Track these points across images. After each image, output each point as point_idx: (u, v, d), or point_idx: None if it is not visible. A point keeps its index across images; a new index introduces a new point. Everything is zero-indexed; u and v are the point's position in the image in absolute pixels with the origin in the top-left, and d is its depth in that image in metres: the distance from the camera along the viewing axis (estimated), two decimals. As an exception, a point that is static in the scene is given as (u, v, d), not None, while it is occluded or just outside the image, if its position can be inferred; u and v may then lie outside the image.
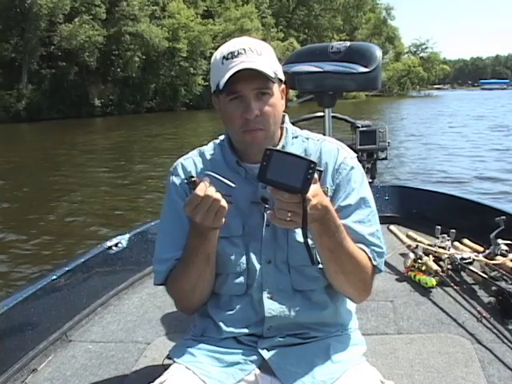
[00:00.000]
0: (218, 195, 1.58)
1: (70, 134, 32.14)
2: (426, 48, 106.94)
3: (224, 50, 1.76)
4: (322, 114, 4.19)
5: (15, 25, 48.05)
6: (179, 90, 56.33)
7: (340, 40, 79.49)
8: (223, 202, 1.58)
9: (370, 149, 4.32)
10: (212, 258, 1.76)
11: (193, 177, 1.61)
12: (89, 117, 47.14)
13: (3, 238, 9.83)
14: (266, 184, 1.48)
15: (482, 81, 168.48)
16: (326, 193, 1.71)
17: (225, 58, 1.72)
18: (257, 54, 1.72)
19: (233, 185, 1.62)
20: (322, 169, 1.63)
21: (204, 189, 1.56)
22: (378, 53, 3.89)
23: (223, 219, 1.63)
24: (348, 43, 4.06)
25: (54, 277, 3.02)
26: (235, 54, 1.71)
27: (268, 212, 1.53)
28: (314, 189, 1.49)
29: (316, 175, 1.47)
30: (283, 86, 1.83)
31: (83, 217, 11.28)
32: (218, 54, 1.77)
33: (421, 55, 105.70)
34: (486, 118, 35.51)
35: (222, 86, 1.69)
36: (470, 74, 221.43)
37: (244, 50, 1.72)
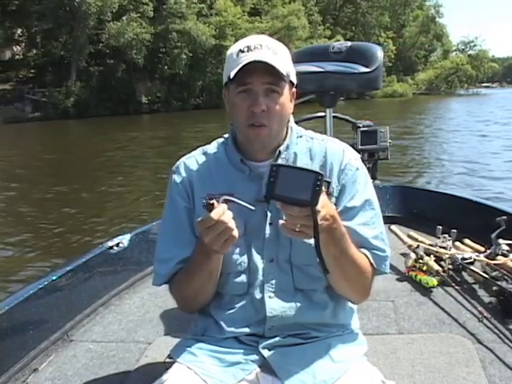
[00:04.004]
0: (232, 224, 1.56)
1: (117, 130, 32.43)
2: (475, 46, 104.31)
3: (241, 44, 1.76)
4: (323, 114, 4.20)
5: (64, 23, 49.07)
6: (225, 87, 56.45)
7: (388, 38, 79.04)
8: (235, 232, 1.57)
9: (371, 149, 4.30)
10: (215, 274, 1.76)
11: (211, 198, 1.56)
12: (136, 114, 47.68)
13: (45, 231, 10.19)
14: (275, 200, 1.47)
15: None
16: (331, 193, 1.73)
17: (241, 50, 1.73)
18: (273, 52, 1.72)
19: (253, 208, 1.60)
20: (329, 180, 1.65)
21: (220, 213, 1.54)
22: (379, 53, 3.89)
23: (230, 248, 1.63)
24: (349, 43, 4.08)
25: (55, 276, 3.03)
26: (251, 48, 1.72)
27: (280, 223, 1.52)
28: (322, 200, 1.48)
29: (324, 187, 1.47)
30: (294, 89, 1.83)
31: (124, 212, 11.54)
32: (234, 48, 1.78)
33: (469, 53, 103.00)
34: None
35: (233, 76, 1.69)
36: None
37: (261, 45, 1.72)
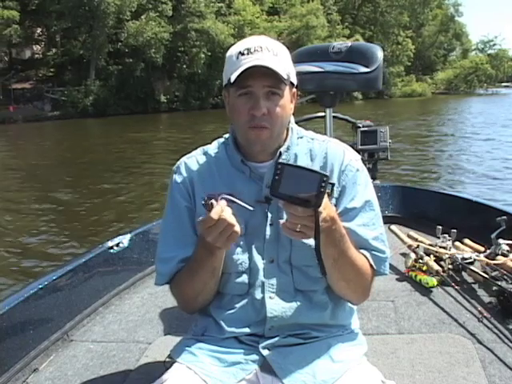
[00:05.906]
0: (232, 220, 1.56)
1: (135, 129, 32.67)
2: (494, 45, 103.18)
3: (241, 45, 1.76)
4: (323, 114, 4.19)
5: (84, 22, 49.50)
6: (243, 86, 56.43)
7: (406, 37, 78.71)
8: (237, 228, 1.57)
9: (371, 149, 4.30)
10: (218, 271, 1.76)
11: (210, 198, 1.58)
12: (154, 113, 47.96)
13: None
14: (278, 198, 1.47)
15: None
16: (331, 195, 1.72)
17: (241, 53, 1.73)
18: (273, 53, 1.72)
19: (250, 208, 1.60)
20: (334, 182, 1.65)
21: (219, 212, 1.54)
22: (379, 53, 3.89)
23: (233, 244, 1.64)
24: (349, 43, 4.07)
25: (55, 276, 3.02)
26: (251, 50, 1.71)
27: (281, 223, 1.54)
28: (324, 201, 1.49)
29: (328, 189, 1.47)
30: (294, 90, 1.83)
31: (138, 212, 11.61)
32: (234, 49, 1.78)
33: (489, 52, 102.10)
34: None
35: (234, 80, 1.69)
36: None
37: (261, 47, 1.72)
